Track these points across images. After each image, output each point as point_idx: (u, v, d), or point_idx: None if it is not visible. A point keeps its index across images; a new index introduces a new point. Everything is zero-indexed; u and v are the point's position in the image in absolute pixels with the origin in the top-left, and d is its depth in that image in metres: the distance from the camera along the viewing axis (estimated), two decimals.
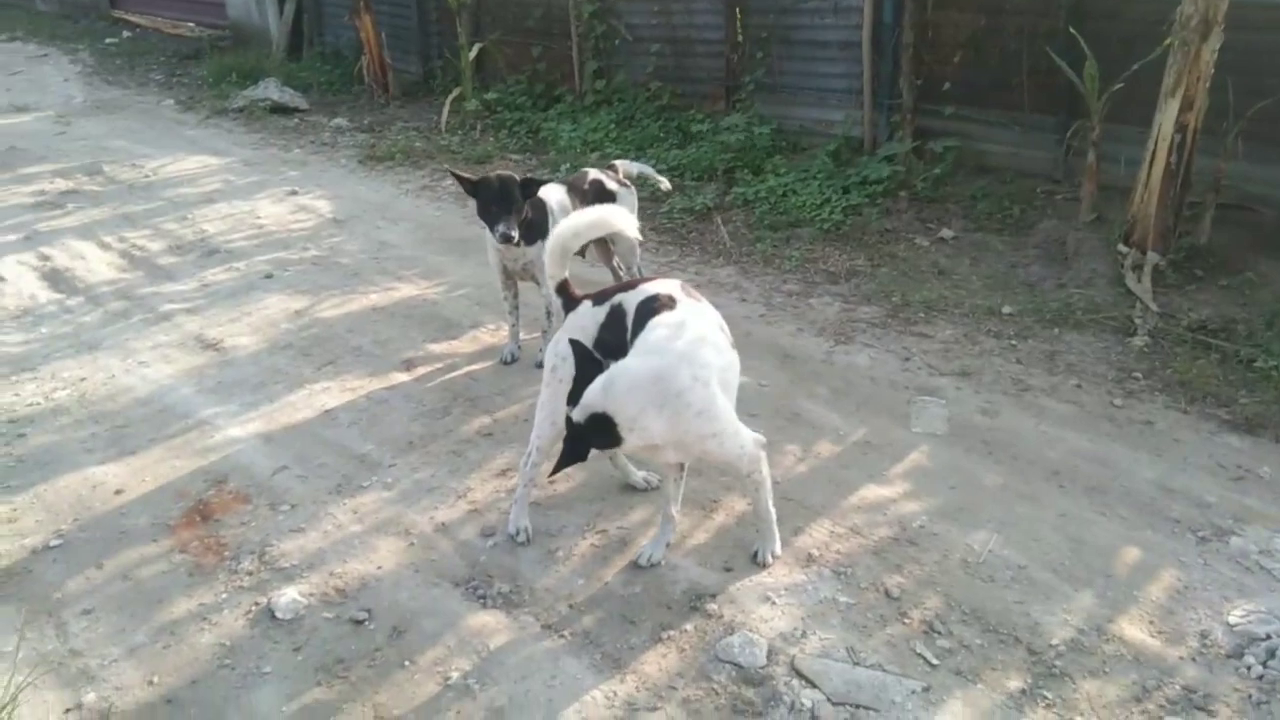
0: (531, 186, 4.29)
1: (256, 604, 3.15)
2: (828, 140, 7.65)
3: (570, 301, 3.28)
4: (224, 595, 3.20)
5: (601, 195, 4.86)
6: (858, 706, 2.68)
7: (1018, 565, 3.25)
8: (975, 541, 3.38)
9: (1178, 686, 2.74)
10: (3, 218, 7.22)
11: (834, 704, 2.69)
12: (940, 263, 5.82)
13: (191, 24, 16.27)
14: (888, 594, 3.13)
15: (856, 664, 2.84)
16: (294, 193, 7.75)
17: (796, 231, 6.41)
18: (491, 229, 4.28)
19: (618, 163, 5.19)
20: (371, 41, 10.69)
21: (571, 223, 3.21)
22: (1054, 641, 2.91)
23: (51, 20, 17.67)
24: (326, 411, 4.37)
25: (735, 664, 2.86)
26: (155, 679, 2.85)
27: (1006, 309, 5.20)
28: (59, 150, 9.09)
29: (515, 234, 4.23)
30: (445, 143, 8.95)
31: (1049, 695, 2.72)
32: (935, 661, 2.85)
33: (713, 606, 3.10)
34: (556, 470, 2.84)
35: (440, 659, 2.91)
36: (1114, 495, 3.63)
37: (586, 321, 3.20)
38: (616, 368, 2.76)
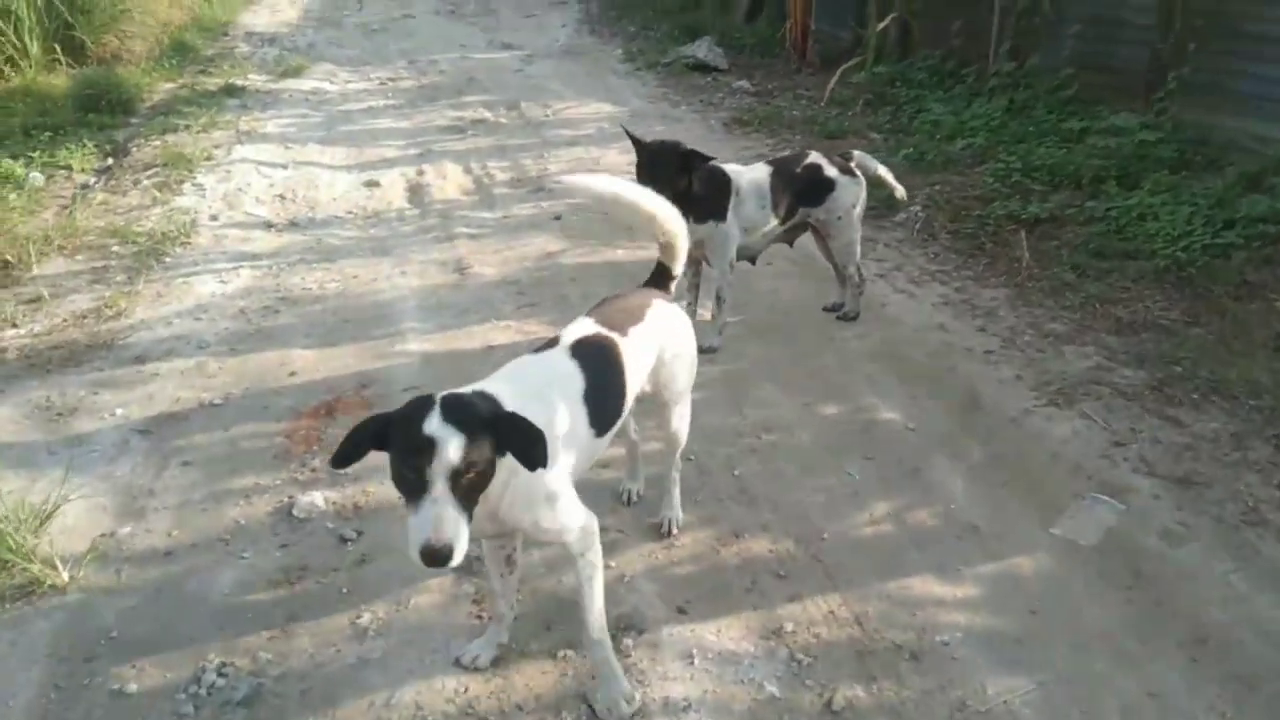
0: (696, 159, 4.04)
1: (290, 498, 3.48)
2: (1254, 159, 6.09)
3: None
4: (277, 483, 3.59)
5: (816, 182, 4.43)
6: None
7: None
8: (999, 686, 2.61)
9: None
10: (418, 135, 8.51)
11: None
12: None
13: None
14: (829, 706, 2.56)
15: None
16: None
17: (1125, 264, 5.24)
18: None
19: (855, 153, 4.65)
20: (796, 7, 10.60)
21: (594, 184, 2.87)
22: None
23: None
24: (488, 348, 4.61)
25: (592, 710, 2.56)
26: (174, 533, 3.31)
27: None
28: (503, 85, 10.42)
29: None
30: (816, 114, 8.66)
31: None
32: None
33: (629, 643, 2.78)
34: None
35: (375, 595, 2.99)
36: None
37: None
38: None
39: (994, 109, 8.00)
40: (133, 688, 2.65)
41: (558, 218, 6.39)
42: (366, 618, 2.92)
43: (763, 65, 11.10)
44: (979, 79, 8.71)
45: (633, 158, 4.17)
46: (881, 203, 6.21)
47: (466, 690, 2.64)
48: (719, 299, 4.43)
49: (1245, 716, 2.53)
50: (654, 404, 2.97)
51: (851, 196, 4.47)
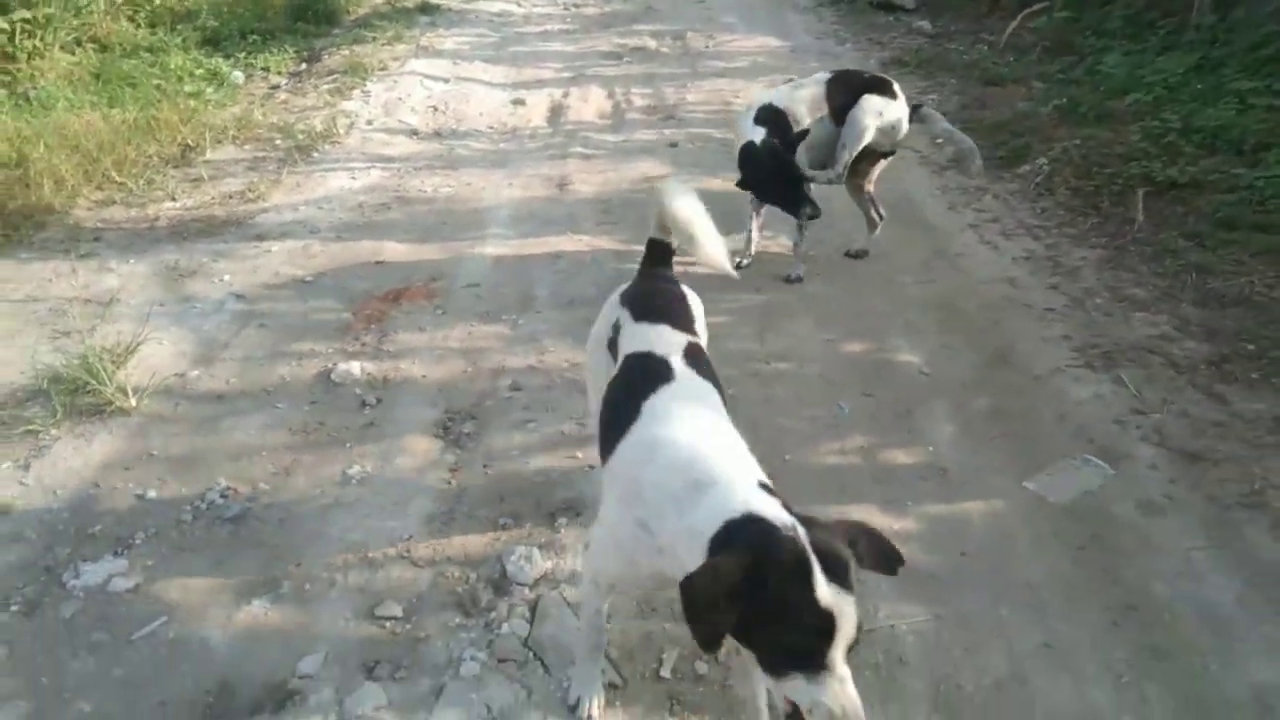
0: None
1: (333, 365, 3.93)
2: None
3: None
4: (330, 351, 4.05)
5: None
6: None
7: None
8: (892, 610, 2.67)
9: None
10: (578, 59, 8.81)
11: None
12: None
13: None
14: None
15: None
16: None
17: (1250, 237, 4.80)
18: None
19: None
20: None
21: None
22: None
23: None
24: (555, 254, 4.88)
25: (504, 568, 2.83)
26: (231, 380, 3.84)
27: None
28: (679, 16, 10.51)
29: None
30: (983, 59, 8.24)
31: None
32: None
33: (563, 521, 3.02)
34: None
35: (370, 453, 3.38)
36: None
37: None
38: None
39: (1180, 64, 7.31)
40: (152, 494, 3.16)
41: (674, 145, 6.53)
42: (355, 469, 3.30)
43: (955, 7, 10.55)
44: (1177, 31, 7.95)
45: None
46: (1003, 154, 5.97)
47: (409, 538, 2.97)
48: (800, 230, 4.46)
49: (1142, 681, 2.46)
50: None
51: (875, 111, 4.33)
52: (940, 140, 5.07)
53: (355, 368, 3.88)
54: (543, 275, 4.71)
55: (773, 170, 4.21)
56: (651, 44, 9.35)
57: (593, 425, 2.43)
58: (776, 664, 1.62)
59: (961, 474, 3.23)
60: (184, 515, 3.07)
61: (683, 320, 2.42)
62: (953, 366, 3.85)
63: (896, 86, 4.47)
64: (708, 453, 1.87)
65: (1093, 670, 2.49)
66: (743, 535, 1.64)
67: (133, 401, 3.60)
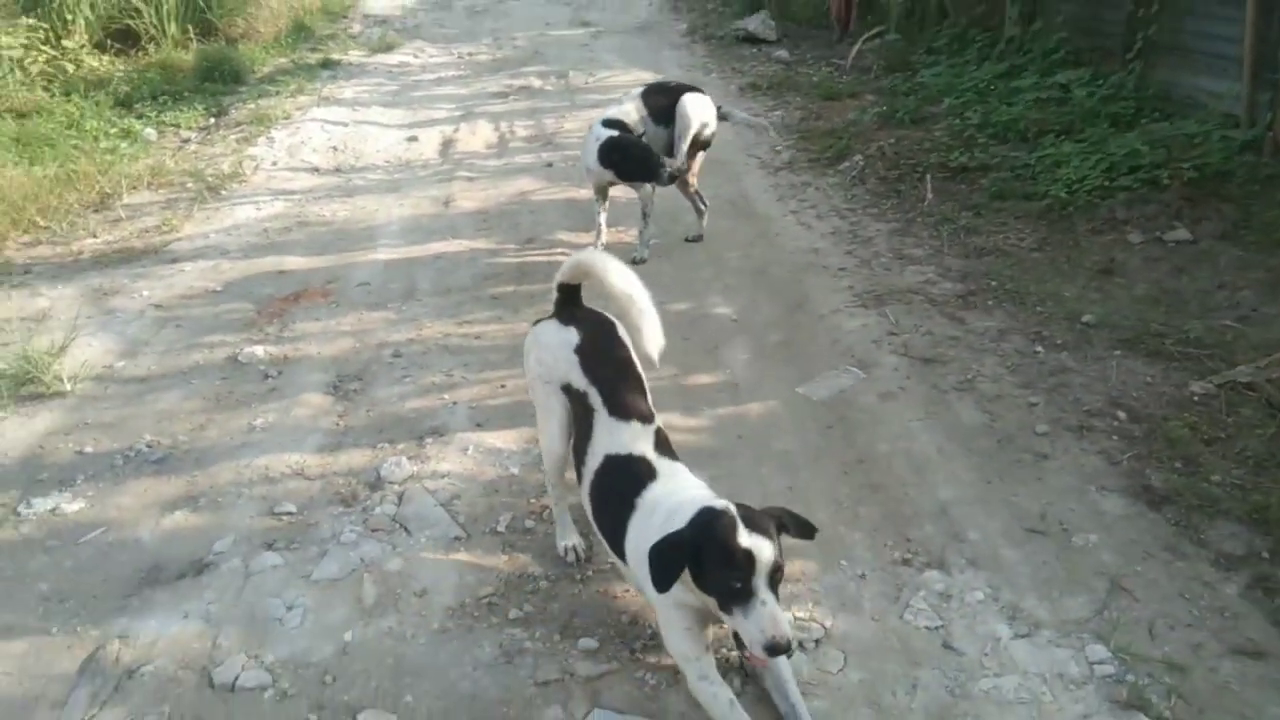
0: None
1: (239, 350, 4.64)
2: (1202, 112, 6.45)
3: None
4: (236, 341, 4.75)
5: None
6: None
7: None
8: None
9: None
10: (469, 100, 9.68)
11: None
12: (1122, 263, 4.93)
13: None
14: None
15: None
16: None
17: (1017, 205, 5.80)
18: None
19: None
20: None
21: None
22: None
23: None
24: (436, 255, 5.67)
25: (379, 476, 3.58)
26: (152, 368, 4.53)
27: (1088, 317, 4.38)
28: (563, 58, 11.46)
29: None
30: (826, 79, 9.30)
31: None
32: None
33: (429, 440, 3.79)
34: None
35: (272, 409, 4.10)
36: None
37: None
38: None
39: (991, 72, 8.44)
40: (89, 449, 3.85)
41: (549, 165, 7.40)
42: (259, 421, 4.03)
43: (812, 37, 11.71)
44: (991, 45, 9.12)
45: None
46: (829, 155, 6.93)
47: (303, 462, 3.71)
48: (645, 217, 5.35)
49: (857, 505, 3.29)
50: None
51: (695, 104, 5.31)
52: (744, 125, 6.15)
53: (259, 350, 4.61)
54: (425, 272, 5.50)
55: (633, 152, 5.12)
56: (537, 83, 10.26)
57: (548, 462, 3.03)
58: (723, 600, 2.29)
59: (748, 387, 4.07)
60: (116, 461, 3.77)
61: (633, 373, 2.92)
62: (756, 314, 4.72)
63: (704, 91, 5.44)
64: (678, 501, 2.52)
65: (822, 501, 3.33)
66: (695, 515, 2.38)
67: (68, 386, 4.28)
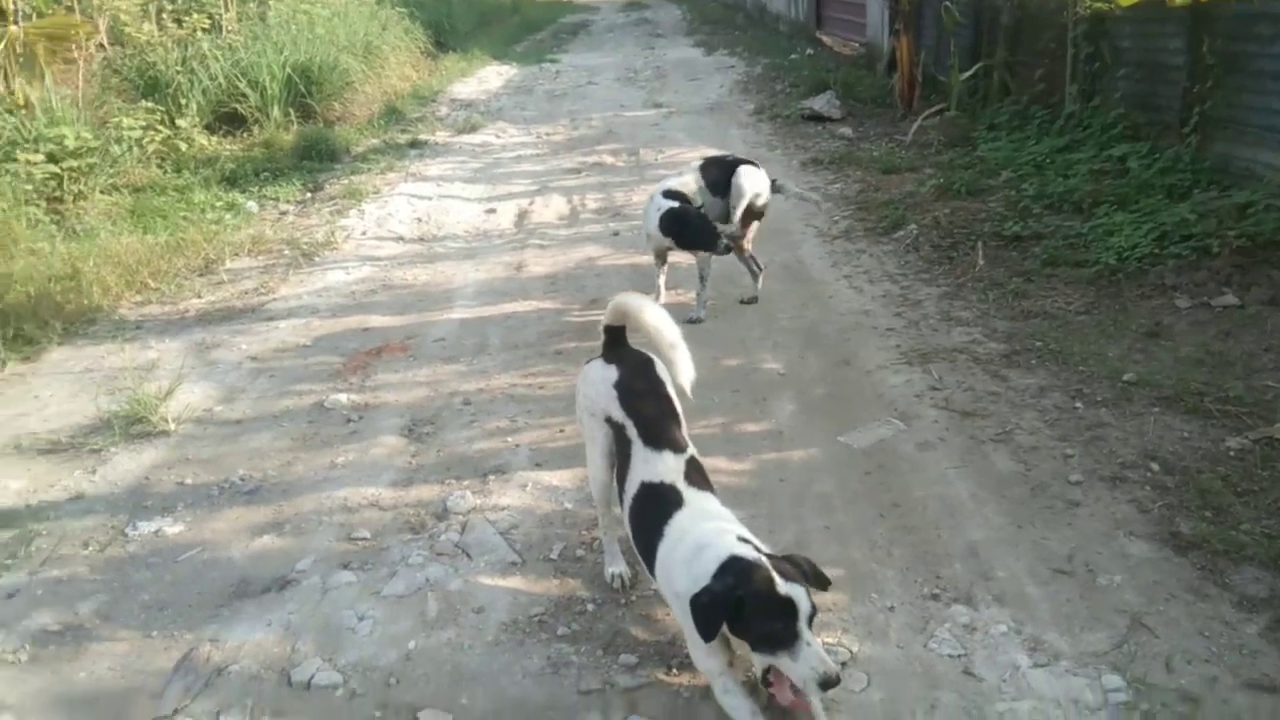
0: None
1: (326, 398, 5.07)
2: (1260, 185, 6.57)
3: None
4: (324, 389, 5.18)
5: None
6: None
7: None
8: None
9: None
10: (545, 175, 10.24)
11: None
12: (1168, 326, 5.07)
13: (856, 43, 18.49)
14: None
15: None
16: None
17: (1068, 271, 5.97)
18: None
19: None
20: (904, 59, 11.56)
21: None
22: None
23: (773, 39, 21.40)
24: (507, 315, 6.08)
25: (446, 508, 3.91)
26: (247, 412, 4.97)
27: (1129, 375, 4.52)
28: (635, 137, 12.03)
29: None
30: (887, 154, 9.61)
31: None
32: None
33: (492, 479, 4.11)
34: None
35: (352, 450, 4.48)
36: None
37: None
38: None
39: (1050, 146, 8.66)
40: (189, 481, 4.26)
41: (616, 234, 7.81)
42: (340, 459, 4.40)
43: (876, 115, 12.06)
44: (1052, 120, 9.35)
45: None
46: (884, 224, 7.20)
47: (378, 495, 4.05)
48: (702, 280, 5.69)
49: (890, 545, 3.48)
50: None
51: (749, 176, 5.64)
52: (796, 198, 6.50)
53: (343, 398, 5.02)
54: (495, 329, 5.89)
55: (692, 222, 5.47)
56: (609, 160, 10.80)
57: (594, 489, 3.31)
58: (765, 646, 2.47)
59: (792, 435, 4.31)
60: (213, 492, 4.17)
61: (668, 406, 3.14)
62: (804, 369, 4.96)
63: (759, 165, 5.79)
64: (708, 535, 2.72)
65: (856, 540, 3.52)
66: (727, 565, 2.55)
67: (172, 426, 4.73)
